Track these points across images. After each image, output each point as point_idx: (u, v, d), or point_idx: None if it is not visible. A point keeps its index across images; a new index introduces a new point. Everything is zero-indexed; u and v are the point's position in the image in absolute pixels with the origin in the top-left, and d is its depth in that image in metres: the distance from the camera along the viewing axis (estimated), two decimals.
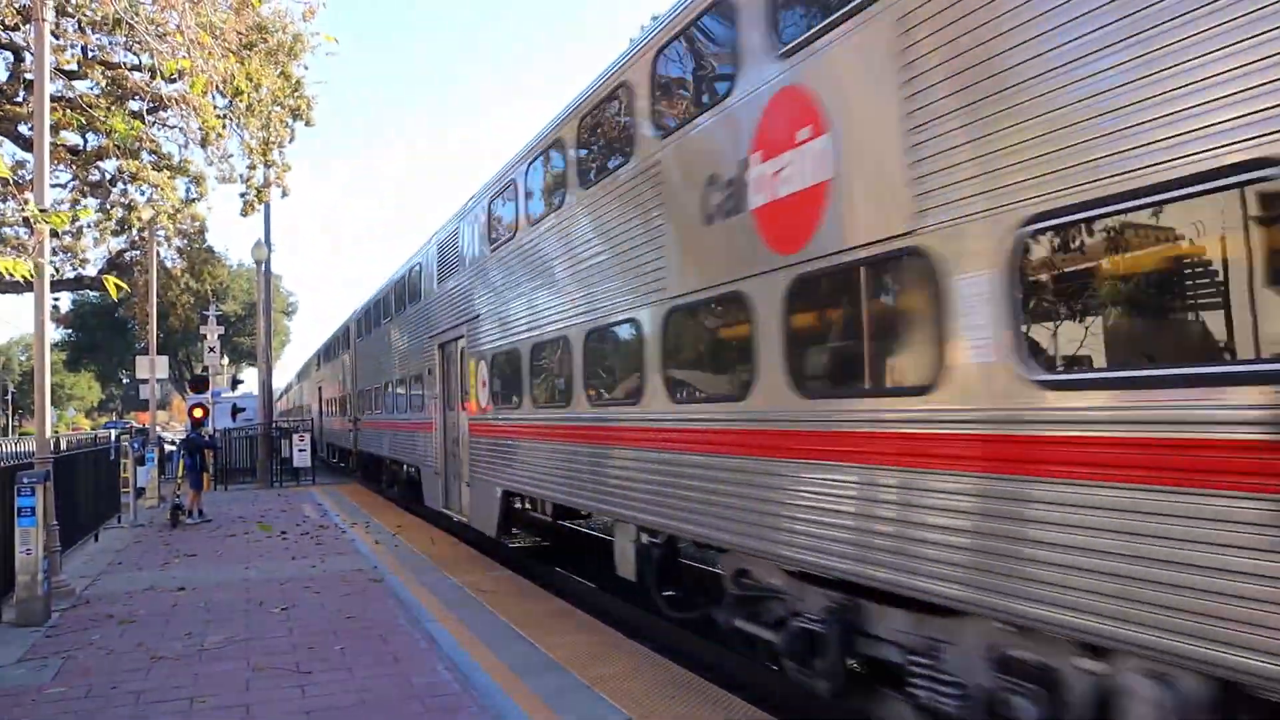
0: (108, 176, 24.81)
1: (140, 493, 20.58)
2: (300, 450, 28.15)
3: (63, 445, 14.57)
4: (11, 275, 5.86)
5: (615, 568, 9.53)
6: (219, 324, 32.76)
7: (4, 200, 24.99)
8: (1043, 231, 4.51)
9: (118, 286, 8.22)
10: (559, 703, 6.54)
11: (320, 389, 41.69)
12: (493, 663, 7.59)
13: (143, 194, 23.44)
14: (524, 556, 12.92)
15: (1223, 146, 3.61)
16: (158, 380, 25.71)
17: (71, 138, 23.26)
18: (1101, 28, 4.11)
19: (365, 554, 13.58)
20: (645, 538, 9.01)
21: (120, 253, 32.71)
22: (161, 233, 27.71)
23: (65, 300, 45.86)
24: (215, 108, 18.86)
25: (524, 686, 6.93)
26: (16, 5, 17.89)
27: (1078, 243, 4.47)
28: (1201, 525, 3.73)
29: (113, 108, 19.45)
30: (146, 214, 22.99)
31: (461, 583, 11.12)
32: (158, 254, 29.01)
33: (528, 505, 13.62)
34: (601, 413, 9.51)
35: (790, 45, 6.33)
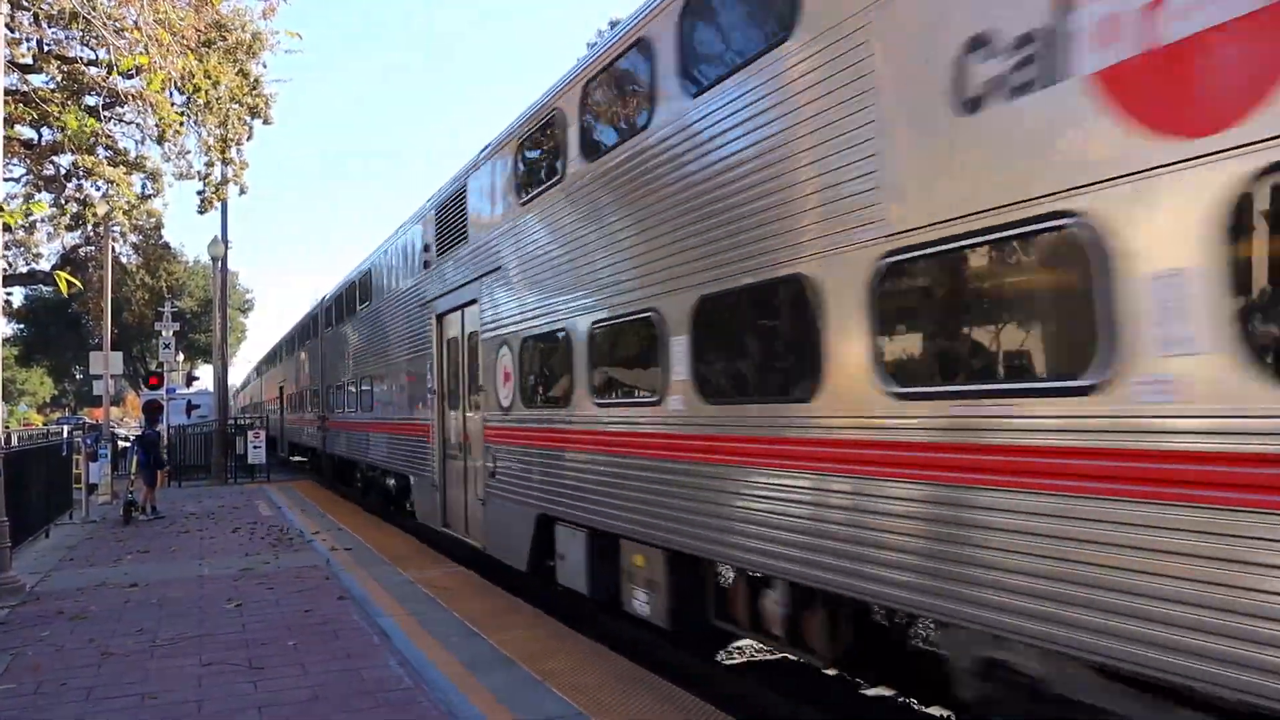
0: (63, 171, 24.51)
1: (93, 489, 20.36)
2: (255, 447, 28.03)
3: (13, 441, 14.48)
4: None
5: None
6: (174, 320, 32.54)
7: None
8: None
9: (69, 283, 8.24)
10: (511, 698, 6.63)
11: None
12: (445, 658, 7.69)
13: (98, 189, 23.20)
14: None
15: None
16: (112, 376, 25.50)
17: (26, 131, 22.98)
18: None
19: (318, 550, 13.60)
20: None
21: (75, 248, 32.39)
22: (117, 228, 27.49)
23: (18, 295, 45.27)
24: (173, 104, 18.76)
25: (476, 682, 7.02)
26: None
27: None
28: None
29: (68, 103, 19.26)
30: (102, 209, 22.76)
31: (414, 579, 11.20)
32: (113, 250, 28.76)
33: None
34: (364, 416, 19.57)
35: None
